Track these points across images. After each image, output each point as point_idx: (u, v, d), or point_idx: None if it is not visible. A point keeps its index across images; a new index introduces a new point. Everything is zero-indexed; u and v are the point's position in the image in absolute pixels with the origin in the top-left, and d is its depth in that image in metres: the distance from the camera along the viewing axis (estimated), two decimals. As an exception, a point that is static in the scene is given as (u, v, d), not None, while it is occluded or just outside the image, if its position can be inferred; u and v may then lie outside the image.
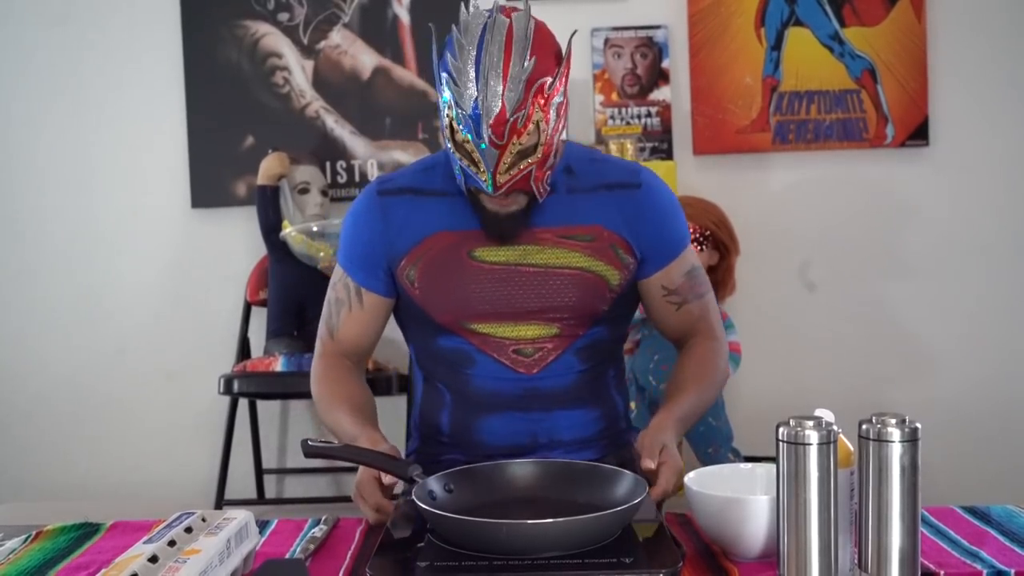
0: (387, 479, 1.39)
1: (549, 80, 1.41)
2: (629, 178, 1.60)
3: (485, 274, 1.54)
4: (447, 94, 1.42)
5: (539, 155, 1.43)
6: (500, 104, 1.38)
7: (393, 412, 2.85)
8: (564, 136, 1.50)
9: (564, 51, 1.45)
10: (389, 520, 1.33)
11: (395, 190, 1.60)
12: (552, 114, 1.42)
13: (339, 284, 1.64)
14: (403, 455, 1.55)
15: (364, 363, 1.72)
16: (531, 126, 1.40)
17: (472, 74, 1.39)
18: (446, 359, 1.60)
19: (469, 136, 1.41)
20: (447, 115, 1.44)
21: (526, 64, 1.38)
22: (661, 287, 1.62)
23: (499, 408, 1.57)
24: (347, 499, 1.46)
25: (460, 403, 1.60)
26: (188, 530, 1.16)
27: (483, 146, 1.40)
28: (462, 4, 1.45)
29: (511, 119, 1.38)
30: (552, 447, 1.58)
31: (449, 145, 1.46)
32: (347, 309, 1.63)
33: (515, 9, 1.44)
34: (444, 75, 1.42)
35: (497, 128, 1.39)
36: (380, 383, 2.95)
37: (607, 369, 1.65)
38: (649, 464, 1.39)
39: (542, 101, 1.40)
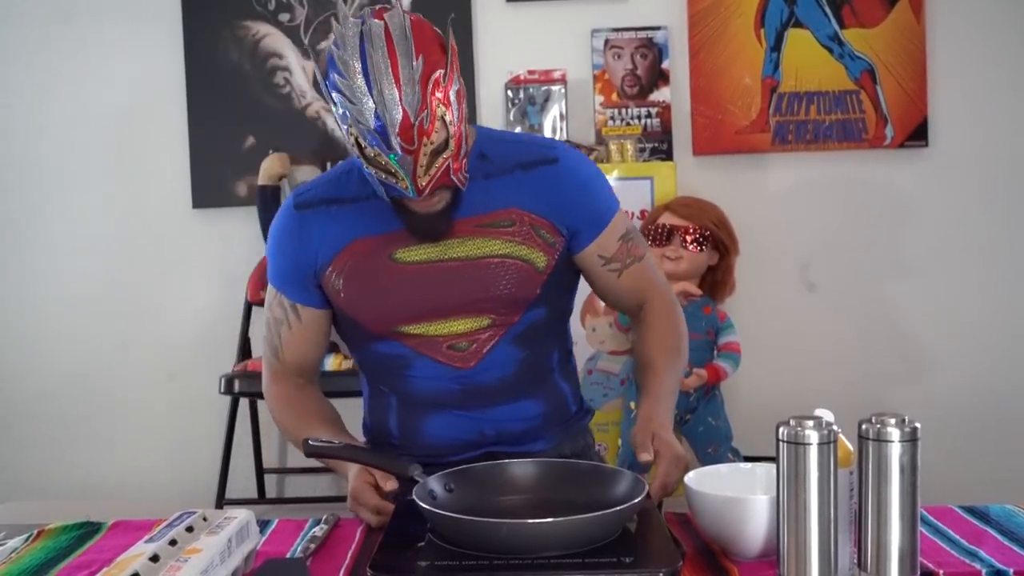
0: (388, 487, 1.39)
1: (442, 72, 1.37)
2: (545, 154, 1.56)
3: (408, 275, 1.52)
4: (345, 112, 1.38)
5: (452, 148, 1.40)
6: (401, 111, 1.34)
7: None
8: (465, 121, 1.45)
9: (446, 37, 1.40)
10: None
11: (311, 202, 1.58)
12: (453, 104, 1.39)
13: (274, 304, 1.62)
14: None
15: (315, 379, 1.69)
16: (437, 123, 1.37)
17: (364, 87, 1.34)
18: (384, 364, 1.60)
19: (379, 149, 1.38)
20: (350, 132, 1.40)
21: (415, 63, 1.34)
22: (597, 257, 1.58)
23: (440, 408, 1.56)
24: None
25: (404, 405, 1.60)
26: (189, 529, 1.17)
27: (394, 157, 1.37)
28: (332, 19, 1.39)
29: (416, 122, 1.35)
30: (500, 441, 1.57)
31: (360, 160, 1.43)
32: (287, 327, 1.61)
33: (386, 9, 1.39)
34: (336, 95, 1.38)
35: (405, 135, 1.35)
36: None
37: (549, 353, 1.62)
38: (646, 457, 1.38)
39: (441, 95, 1.37)
